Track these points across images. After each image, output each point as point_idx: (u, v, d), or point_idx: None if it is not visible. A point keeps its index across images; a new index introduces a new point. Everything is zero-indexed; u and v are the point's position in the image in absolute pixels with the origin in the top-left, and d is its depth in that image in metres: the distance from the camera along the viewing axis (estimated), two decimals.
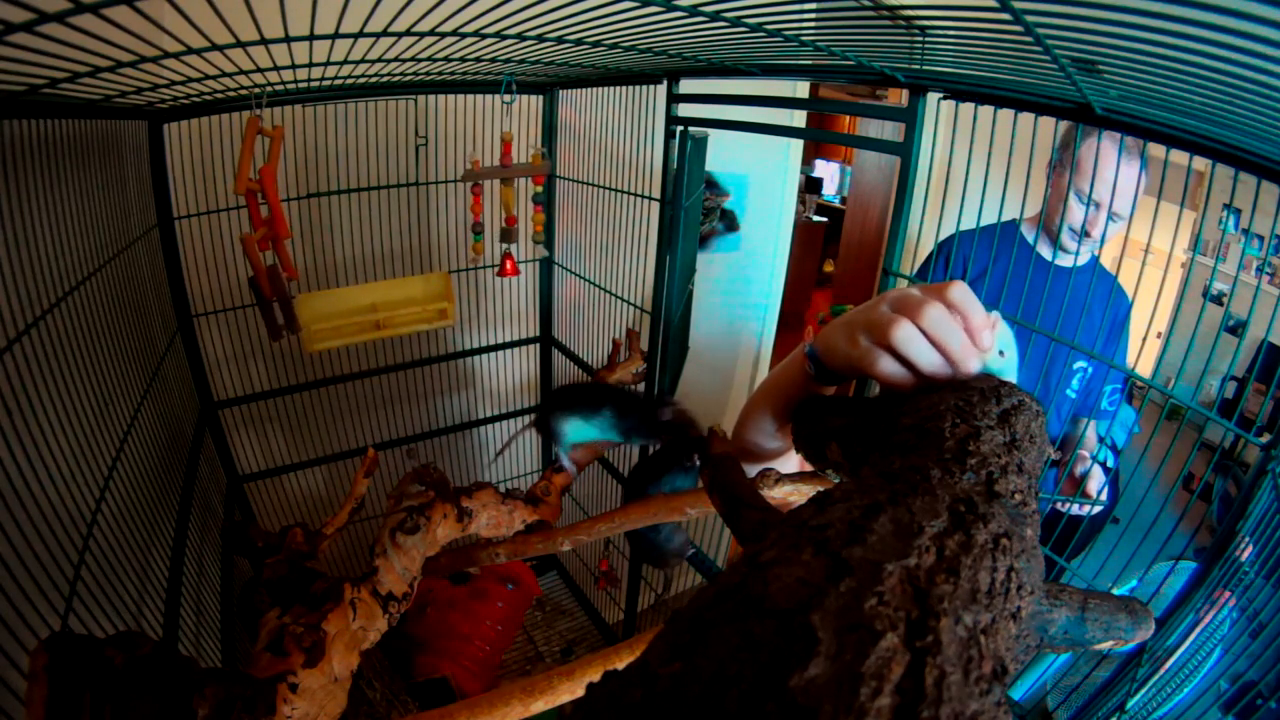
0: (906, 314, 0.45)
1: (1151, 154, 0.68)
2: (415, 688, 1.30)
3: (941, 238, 1.29)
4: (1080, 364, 1.28)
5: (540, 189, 1.40)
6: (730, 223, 2.15)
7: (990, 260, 1.24)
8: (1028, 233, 1.34)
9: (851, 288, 4.70)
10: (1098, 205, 1.21)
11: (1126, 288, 1.35)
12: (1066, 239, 1.27)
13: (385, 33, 0.65)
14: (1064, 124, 0.95)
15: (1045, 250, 1.33)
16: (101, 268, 0.83)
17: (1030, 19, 0.44)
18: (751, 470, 0.77)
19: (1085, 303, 1.23)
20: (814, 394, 0.65)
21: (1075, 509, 1.02)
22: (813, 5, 0.61)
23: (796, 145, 2.26)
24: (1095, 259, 1.34)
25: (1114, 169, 1.15)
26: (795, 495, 0.79)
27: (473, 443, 1.75)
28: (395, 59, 0.89)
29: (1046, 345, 0.83)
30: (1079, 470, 1.07)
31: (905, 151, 0.81)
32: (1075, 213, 1.25)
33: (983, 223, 1.02)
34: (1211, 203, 2.58)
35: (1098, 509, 1.02)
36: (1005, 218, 1.36)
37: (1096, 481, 1.06)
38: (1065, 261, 1.28)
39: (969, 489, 0.37)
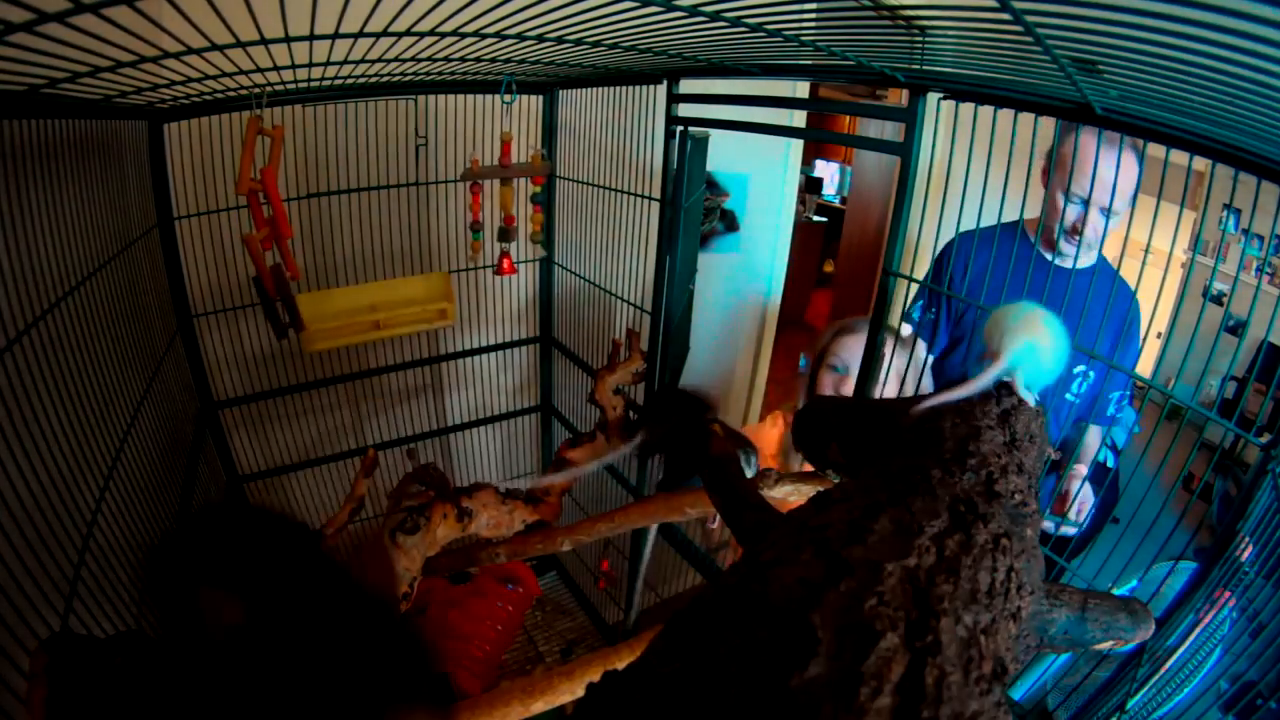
0: None
1: (1151, 154, 0.68)
2: None
3: (941, 238, 1.27)
4: (1079, 367, 1.26)
5: (539, 189, 1.40)
6: (730, 223, 2.15)
7: (993, 261, 1.22)
8: (1031, 233, 1.33)
9: (851, 288, 4.70)
10: (1087, 203, 1.19)
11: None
12: (1061, 241, 1.26)
13: (385, 33, 0.65)
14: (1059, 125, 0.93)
15: (1048, 252, 1.31)
16: (101, 268, 0.83)
17: (1030, 19, 0.44)
18: None
19: (1089, 305, 1.19)
20: (816, 397, 0.65)
21: (1052, 528, 0.97)
22: (813, 5, 0.61)
23: (796, 145, 2.26)
24: (1103, 260, 1.32)
25: (1107, 166, 1.12)
26: (795, 495, 0.79)
27: (473, 443, 1.75)
28: (395, 59, 0.89)
29: None
30: (1071, 488, 1.02)
31: (905, 151, 0.81)
32: (1066, 213, 1.23)
33: (983, 223, 1.00)
34: (1211, 203, 2.58)
35: (1072, 531, 0.98)
36: (1005, 218, 1.35)
37: (1080, 503, 1.00)
38: (1069, 263, 1.26)
39: (969, 489, 0.37)
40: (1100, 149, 0.96)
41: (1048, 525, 0.97)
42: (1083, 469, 1.08)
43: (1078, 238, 1.23)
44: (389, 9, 0.60)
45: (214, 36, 0.60)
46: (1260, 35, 0.35)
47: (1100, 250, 1.29)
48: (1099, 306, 1.21)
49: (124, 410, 0.85)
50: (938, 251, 1.35)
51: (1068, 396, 1.27)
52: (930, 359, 1.26)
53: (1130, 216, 1.25)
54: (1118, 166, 0.82)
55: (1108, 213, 1.18)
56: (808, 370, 1.40)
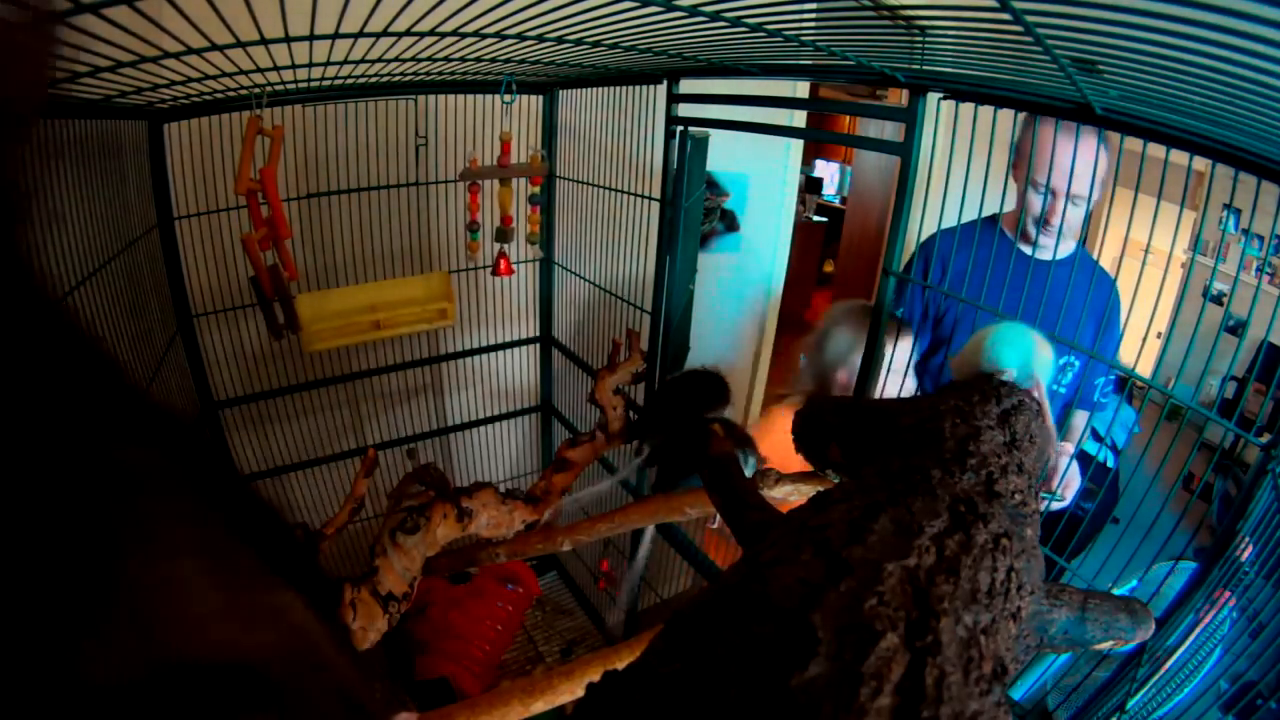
0: None
1: (1151, 154, 0.68)
2: (415, 688, 1.30)
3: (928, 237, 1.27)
4: (1066, 358, 1.26)
5: (538, 190, 1.40)
6: (730, 223, 2.15)
7: (970, 257, 1.21)
8: (1008, 228, 1.33)
9: (851, 288, 4.70)
10: (1054, 193, 1.19)
11: (1126, 288, 1.33)
12: (1030, 230, 1.26)
13: (385, 33, 0.65)
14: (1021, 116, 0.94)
15: (1025, 246, 1.31)
16: (101, 268, 0.83)
17: (1030, 19, 0.44)
18: None
19: (1069, 296, 1.18)
20: (817, 395, 0.65)
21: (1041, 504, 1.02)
22: (813, 5, 0.61)
23: (796, 145, 2.26)
24: (1082, 250, 1.32)
25: (1065, 153, 1.10)
26: (795, 495, 0.79)
27: (473, 443, 1.75)
28: (395, 59, 0.89)
29: None
30: (1060, 464, 1.06)
31: (905, 151, 0.81)
32: (1034, 203, 1.24)
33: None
34: (1211, 203, 2.58)
35: (1057, 505, 1.02)
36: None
37: (1066, 478, 1.03)
38: (1046, 255, 1.26)
39: (969, 489, 0.37)
40: (1058, 137, 0.97)
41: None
42: (1069, 446, 1.10)
43: (1049, 227, 1.24)
44: (389, 9, 0.60)
45: (214, 36, 0.60)
46: (1260, 35, 0.35)
47: (1073, 235, 1.29)
48: (1079, 297, 1.21)
49: None
50: (910, 253, 1.34)
51: (1057, 389, 1.28)
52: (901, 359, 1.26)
53: (1109, 205, 1.24)
54: (1074, 152, 0.82)
55: (1069, 198, 1.18)
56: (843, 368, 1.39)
